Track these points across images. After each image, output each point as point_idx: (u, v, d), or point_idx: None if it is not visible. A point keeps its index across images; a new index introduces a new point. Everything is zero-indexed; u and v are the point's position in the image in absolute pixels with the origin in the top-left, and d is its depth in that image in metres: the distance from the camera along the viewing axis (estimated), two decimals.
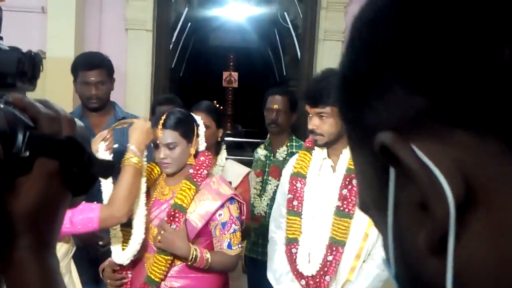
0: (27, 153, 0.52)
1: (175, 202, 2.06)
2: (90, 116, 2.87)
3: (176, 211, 2.04)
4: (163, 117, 2.05)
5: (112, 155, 2.10)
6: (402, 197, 0.36)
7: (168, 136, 2.04)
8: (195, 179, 2.09)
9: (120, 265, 2.13)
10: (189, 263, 2.01)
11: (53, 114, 0.57)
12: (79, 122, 0.62)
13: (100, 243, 2.46)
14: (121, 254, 2.06)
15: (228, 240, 2.08)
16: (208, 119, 2.60)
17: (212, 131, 2.64)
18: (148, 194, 2.16)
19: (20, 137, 0.52)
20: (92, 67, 2.81)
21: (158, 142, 2.05)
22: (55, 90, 4.98)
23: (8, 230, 0.54)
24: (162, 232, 1.99)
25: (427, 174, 0.33)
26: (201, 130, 2.16)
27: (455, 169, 0.33)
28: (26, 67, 0.60)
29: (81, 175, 0.57)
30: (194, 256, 1.99)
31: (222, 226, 2.08)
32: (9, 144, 0.52)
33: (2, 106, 0.55)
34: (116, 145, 2.12)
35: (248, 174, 2.82)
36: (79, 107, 2.98)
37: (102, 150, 2.09)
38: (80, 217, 1.89)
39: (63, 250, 2.03)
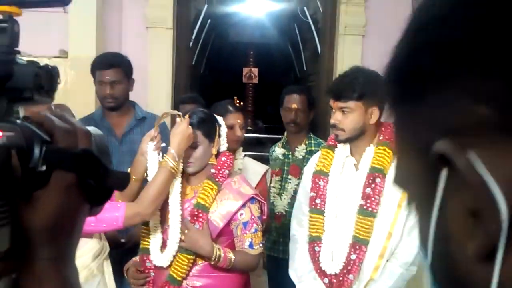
0: (44, 167, 0.53)
1: (197, 202, 2.06)
2: (110, 117, 2.89)
3: (199, 211, 2.05)
4: (186, 117, 2.06)
5: (160, 154, 2.10)
6: (452, 200, 0.36)
7: None
8: (217, 179, 2.10)
9: (144, 265, 2.14)
10: (212, 263, 2.02)
11: (68, 128, 0.57)
12: (97, 131, 0.62)
13: (122, 240, 2.48)
14: (161, 257, 2.08)
15: (250, 240, 2.08)
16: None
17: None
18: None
19: (36, 151, 0.53)
20: (108, 66, 2.83)
21: None
22: (77, 90, 5.04)
23: (27, 243, 0.55)
24: (186, 231, 2.00)
25: (483, 185, 0.33)
26: (223, 130, 2.16)
27: None
28: (43, 80, 0.61)
29: (97, 187, 0.57)
30: (217, 256, 1.99)
31: (243, 226, 2.08)
32: (26, 158, 0.53)
33: (19, 121, 0.55)
34: (163, 144, 2.13)
35: (266, 172, 2.82)
36: (100, 108, 3.00)
37: (151, 150, 2.08)
38: (106, 215, 1.91)
39: (95, 251, 2.05)
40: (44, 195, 0.55)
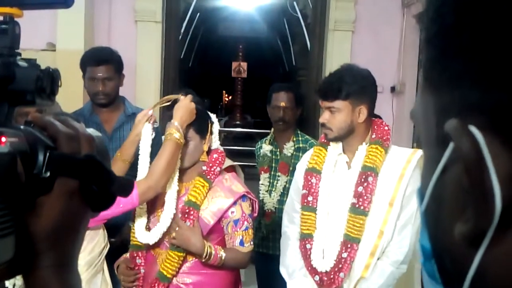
0: (48, 174, 0.53)
1: (188, 199, 2.05)
2: (99, 113, 2.85)
3: (191, 208, 2.04)
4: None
5: (154, 134, 2.10)
6: (451, 172, 0.37)
7: None
8: (208, 176, 2.09)
9: (134, 262, 2.13)
10: (203, 261, 2.01)
11: (72, 133, 0.57)
12: (96, 133, 0.61)
13: (112, 239, 2.46)
14: (147, 235, 2.06)
15: (241, 237, 2.07)
16: None
17: None
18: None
19: (40, 157, 0.53)
20: (100, 62, 2.78)
21: None
22: (65, 83, 4.96)
23: (30, 250, 0.54)
24: (177, 228, 1.99)
25: (482, 169, 0.33)
26: (215, 127, 2.14)
27: None
28: (44, 83, 0.60)
29: (100, 193, 0.57)
30: (208, 254, 1.98)
31: (234, 223, 2.07)
32: (30, 164, 0.52)
33: (22, 126, 0.55)
34: (157, 124, 2.12)
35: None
36: (88, 103, 2.96)
37: (146, 131, 2.08)
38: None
39: (97, 250, 2.04)
40: (48, 202, 0.54)
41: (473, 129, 0.34)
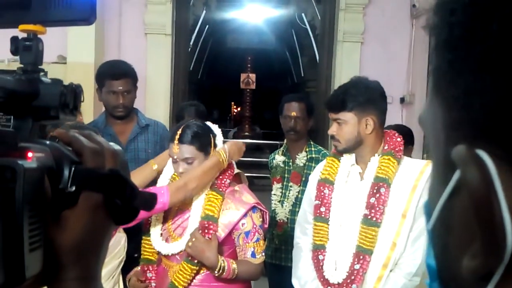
0: (73, 188, 0.54)
1: (206, 214, 2.04)
2: (114, 124, 2.88)
3: (210, 223, 2.03)
4: (179, 132, 2.03)
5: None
6: (461, 195, 0.34)
7: (185, 151, 2.02)
8: (220, 189, 2.09)
9: (145, 275, 2.14)
10: (216, 275, 2.00)
11: (97, 148, 0.58)
12: (116, 147, 0.62)
13: (135, 255, 2.48)
14: (168, 245, 2.09)
15: (252, 249, 2.07)
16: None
17: None
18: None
19: (66, 172, 0.54)
20: (119, 76, 2.82)
21: (175, 157, 2.04)
22: None
23: (55, 263, 0.54)
24: (194, 239, 1.98)
25: (492, 203, 0.30)
26: (219, 139, 2.14)
27: None
28: (68, 99, 0.61)
29: (124, 207, 0.58)
30: (221, 268, 1.98)
31: (245, 235, 2.07)
32: (56, 179, 0.53)
33: (48, 142, 0.56)
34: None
35: None
36: (102, 116, 2.99)
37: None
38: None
39: (116, 261, 2.04)
40: (73, 215, 0.55)
41: (483, 155, 0.31)
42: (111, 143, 0.62)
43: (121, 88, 2.80)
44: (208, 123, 2.17)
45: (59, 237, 0.54)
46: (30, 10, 0.61)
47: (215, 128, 2.16)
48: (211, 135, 2.10)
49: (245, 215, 2.06)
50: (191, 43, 6.89)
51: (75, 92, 0.62)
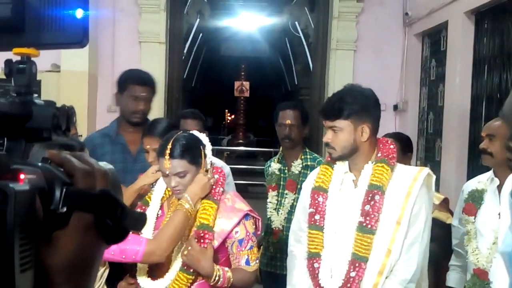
0: (64, 209, 0.55)
1: (201, 223, 2.04)
2: (126, 133, 2.86)
3: (205, 232, 2.02)
4: (169, 147, 2.01)
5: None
6: None
7: (176, 165, 2.01)
8: (215, 197, 2.09)
9: (136, 281, 2.12)
10: (211, 284, 2.00)
11: (88, 169, 0.59)
12: (108, 166, 0.64)
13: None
14: (152, 284, 2.06)
15: (246, 257, 2.06)
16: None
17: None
18: (162, 209, 2.18)
19: (57, 193, 0.55)
20: (144, 83, 2.84)
21: (167, 172, 2.03)
22: (70, 102, 5.01)
23: (46, 283, 0.55)
24: (189, 248, 1.98)
25: None
26: (208, 149, 2.12)
27: None
28: (60, 121, 0.63)
29: (114, 227, 0.59)
30: (217, 277, 1.97)
31: (239, 243, 2.06)
32: (47, 200, 0.54)
33: (40, 164, 0.57)
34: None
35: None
36: (114, 123, 2.95)
37: (161, 188, 2.22)
38: (127, 247, 1.91)
39: (98, 273, 2.02)
40: (64, 236, 0.56)
41: None
42: (103, 163, 0.63)
43: (144, 94, 2.81)
44: (196, 132, 2.16)
45: (50, 257, 0.55)
46: (23, 33, 0.62)
47: (203, 137, 2.14)
48: (200, 146, 2.09)
49: (238, 223, 2.06)
50: (185, 51, 6.90)
51: (67, 114, 0.63)
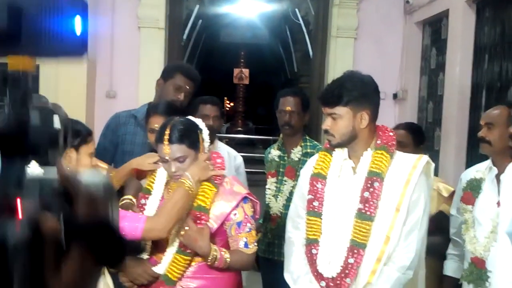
0: (63, 236, 0.57)
1: (198, 204, 2.06)
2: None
3: (201, 214, 2.05)
4: (167, 132, 2.02)
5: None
6: None
7: (175, 150, 2.02)
8: (216, 181, 2.10)
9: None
10: (209, 263, 2.02)
11: (89, 196, 0.60)
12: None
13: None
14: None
15: (245, 239, 2.08)
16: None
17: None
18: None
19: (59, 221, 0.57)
20: (191, 77, 2.90)
21: (167, 158, 2.03)
22: (67, 91, 5.00)
23: None
24: (186, 228, 1.99)
25: None
26: (205, 133, 2.14)
27: None
28: (58, 138, 0.64)
29: (112, 252, 0.61)
30: (214, 257, 2.00)
31: (237, 226, 2.09)
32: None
33: (38, 187, 0.58)
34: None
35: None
36: (144, 107, 2.91)
37: (163, 175, 2.22)
38: (126, 224, 1.91)
39: None
40: (64, 261, 0.58)
41: None
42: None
43: (188, 87, 2.85)
44: (191, 117, 2.18)
45: (51, 281, 0.57)
46: (20, 42, 0.61)
47: (199, 122, 2.16)
48: (198, 131, 2.10)
49: (236, 205, 2.08)
50: (184, 37, 6.86)
51: (64, 132, 0.64)
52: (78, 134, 1.99)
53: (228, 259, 2.03)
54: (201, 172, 2.05)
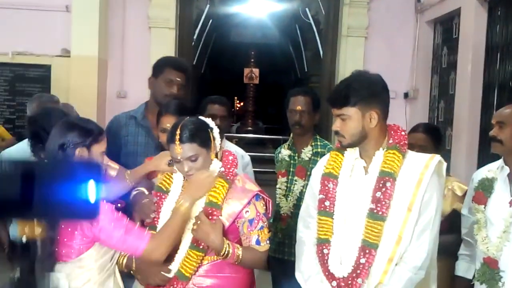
0: None
1: (210, 200, 2.07)
2: (151, 118, 2.86)
3: (213, 209, 2.06)
4: (178, 132, 2.03)
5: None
6: None
7: (187, 150, 2.03)
8: (228, 177, 2.12)
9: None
10: (221, 258, 2.03)
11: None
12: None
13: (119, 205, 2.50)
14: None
15: (257, 237, 2.09)
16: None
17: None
18: None
19: None
20: (181, 69, 2.89)
21: (179, 158, 2.04)
22: (80, 87, 5.04)
23: None
24: (199, 222, 2.00)
25: None
26: (215, 132, 2.15)
27: None
28: None
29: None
30: (226, 252, 2.00)
31: (249, 223, 2.09)
32: None
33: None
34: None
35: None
36: (142, 107, 2.97)
37: (180, 179, 2.22)
38: (130, 239, 1.93)
39: (107, 257, 2.05)
40: None
41: None
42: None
43: (179, 79, 2.85)
44: (201, 117, 2.19)
45: None
46: (31, 209, 0.61)
47: (209, 121, 2.17)
48: (208, 129, 2.11)
49: (248, 203, 2.09)
50: (195, 37, 6.88)
51: None
52: (90, 133, 2.01)
53: (241, 255, 2.03)
54: (197, 191, 2.06)
